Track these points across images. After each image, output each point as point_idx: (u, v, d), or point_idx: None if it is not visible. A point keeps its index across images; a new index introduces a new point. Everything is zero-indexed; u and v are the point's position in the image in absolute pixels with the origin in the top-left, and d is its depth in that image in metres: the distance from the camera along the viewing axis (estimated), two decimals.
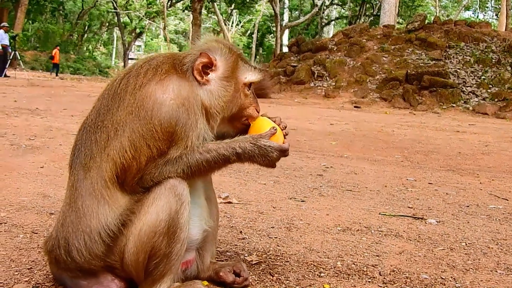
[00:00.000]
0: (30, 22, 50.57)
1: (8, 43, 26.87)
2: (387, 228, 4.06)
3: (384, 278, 2.95)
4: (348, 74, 25.42)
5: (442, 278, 3.01)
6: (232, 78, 2.48)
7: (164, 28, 53.22)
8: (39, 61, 45.73)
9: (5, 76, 25.79)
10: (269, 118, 2.64)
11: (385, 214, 4.53)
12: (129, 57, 58.24)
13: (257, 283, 2.72)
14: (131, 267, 2.28)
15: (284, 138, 2.56)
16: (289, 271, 2.92)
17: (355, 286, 2.79)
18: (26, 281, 2.50)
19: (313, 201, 4.88)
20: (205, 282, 2.62)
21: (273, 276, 2.82)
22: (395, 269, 3.10)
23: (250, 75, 2.54)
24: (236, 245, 3.33)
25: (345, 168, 7.35)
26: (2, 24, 27.68)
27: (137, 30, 63.21)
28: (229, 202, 4.49)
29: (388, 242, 3.66)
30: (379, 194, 5.51)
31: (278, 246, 3.39)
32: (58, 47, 39.15)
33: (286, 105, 20.68)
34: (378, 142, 11.32)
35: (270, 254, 3.20)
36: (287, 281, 2.77)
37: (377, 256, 3.34)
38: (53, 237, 2.35)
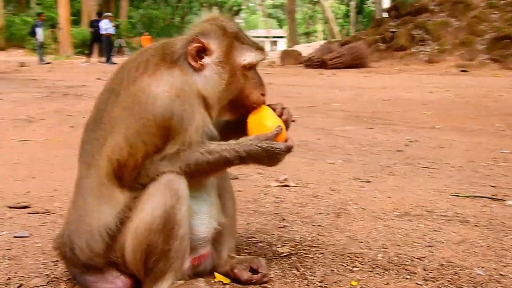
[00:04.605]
0: (135, 9, 52.67)
1: (112, 32, 28.31)
2: (454, 212, 3.66)
3: (427, 273, 2.63)
4: (452, 36, 23.76)
5: (501, 275, 2.63)
6: (227, 63, 2.28)
7: (261, 4, 52.97)
8: None
9: (113, 63, 27.19)
10: (270, 105, 2.44)
11: (457, 195, 4.11)
12: None
13: (278, 278, 2.53)
14: (131, 265, 2.21)
15: (288, 127, 2.40)
16: (319, 265, 2.70)
17: (388, 284, 2.51)
18: (46, 275, 2.50)
19: (380, 181, 4.55)
20: (228, 280, 2.49)
21: (298, 271, 2.62)
22: (445, 263, 2.77)
23: (249, 57, 2.33)
24: (273, 234, 3.15)
25: (431, 141, 6.83)
26: (106, 14, 29.26)
27: (234, 8, 63.49)
28: (286, 186, 4.30)
29: (449, 229, 3.30)
30: (460, 171, 5.03)
31: (319, 235, 3.16)
32: (145, 33, 40.30)
33: (385, 74, 19.86)
34: (480, 109, 10.48)
35: (306, 244, 2.99)
36: (312, 277, 2.55)
37: (430, 246, 3.01)
38: (60, 234, 2.33)
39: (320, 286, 2.46)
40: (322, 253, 2.86)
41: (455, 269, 2.69)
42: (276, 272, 2.60)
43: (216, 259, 2.53)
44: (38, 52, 29.74)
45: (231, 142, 2.26)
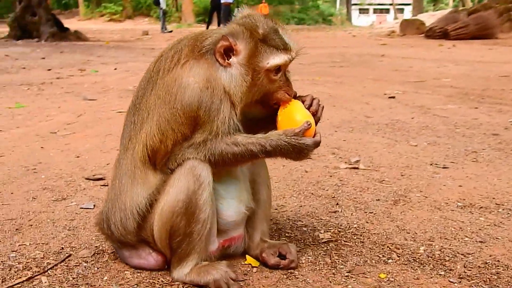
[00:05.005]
0: None
1: (231, 1, 28.78)
2: None
3: (465, 271, 2.55)
4: None
5: None
6: (249, 67, 2.33)
7: None
8: None
9: None
10: (300, 97, 2.48)
11: None
12: (352, 2, 57.06)
13: (308, 265, 2.59)
14: (158, 243, 2.39)
15: (318, 120, 2.48)
16: (354, 254, 2.72)
17: (417, 279, 2.47)
18: (96, 247, 2.76)
19: (458, 168, 4.36)
20: (257, 263, 2.59)
21: (330, 259, 2.65)
22: (490, 261, 2.65)
23: (273, 60, 2.34)
24: (321, 219, 3.19)
25: None
26: None
27: None
28: (355, 168, 4.27)
29: (511, 225, 3.13)
30: None
31: (367, 222, 3.14)
32: (263, 1, 40.01)
33: None
34: None
35: (350, 231, 3.00)
36: (342, 266, 2.58)
37: (481, 242, 2.89)
38: (101, 210, 2.57)
39: (346, 276, 2.49)
40: (362, 242, 2.87)
41: (498, 269, 2.58)
42: (308, 258, 2.67)
43: (249, 242, 2.64)
44: (161, 20, 31.06)
45: (259, 135, 2.33)
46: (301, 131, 2.32)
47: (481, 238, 2.94)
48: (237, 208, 2.49)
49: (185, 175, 2.27)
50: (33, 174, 3.97)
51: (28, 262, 2.54)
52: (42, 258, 2.59)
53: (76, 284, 2.34)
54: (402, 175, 4.12)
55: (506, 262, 2.65)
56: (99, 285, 2.34)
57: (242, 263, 2.59)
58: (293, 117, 2.41)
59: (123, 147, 2.47)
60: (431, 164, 4.45)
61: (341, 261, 2.64)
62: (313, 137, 2.37)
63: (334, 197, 3.58)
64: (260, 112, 2.54)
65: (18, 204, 3.32)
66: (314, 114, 2.46)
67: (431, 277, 2.49)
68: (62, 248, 2.72)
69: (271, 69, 2.35)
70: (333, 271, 2.54)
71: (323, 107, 2.54)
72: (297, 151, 2.32)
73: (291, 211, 3.31)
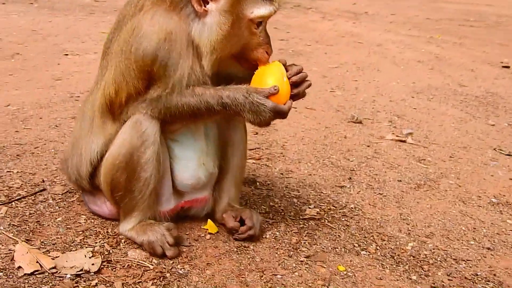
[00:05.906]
0: None
1: None
2: None
3: (443, 281, 2.21)
4: None
5: None
6: (232, 13, 2.08)
7: None
8: None
9: None
10: (290, 65, 2.23)
11: None
12: None
13: (269, 241, 2.38)
14: (105, 194, 2.31)
15: (300, 94, 2.23)
16: (328, 238, 2.45)
17: (380, 279, 2.18)
18: (73, 186, 2.71)
19: None
20: (215, 229, 2.43)
21: (297, 239, 2.42)
22: (482, 273, 2.28)
23: (258, 9, 2.11)
24: (321, 193, 2.92)
25: None
26: None
27: None
28: (401, 141, 3.86)
29: None
30: None
31: (370, 204, 2.83)
32: None
33: None
34: None
35: (342, 212, 2.71)
36: (304, 249, 2.34)
37: (488, 249, 2.49)
38: (64, 151, 2.54)
39: (301, 261, 2.25)
40: (347, 225, 2.59)
41: (486, 284, 2.21)
42: (275, 233, 2.45)
43: (214, 206, 2.49)
44: None
45: (219, 87, 2.13)
46: (264, 92, 2.09)
47: (491, 244, 2.53)
48: (195, 171, 2.32)
49: (130, 129, 2.15)
50: (73, 102, 4.03)
51: (2, 190, 2.59)
52: (18, 188, 2.63)
53: (26, 220, 2.35)
54: (450, 157, 3.66)
55: (502, 278, 2.25)
56: (47, 225, 2.33)
57: (201, 227, 2.45)
58: (264, 78, 2.17)
59: (90, 91, 2.39)
60: (494, 149, 3.90)
61: (308, 243, 2.40)
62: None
63: (352, 170, 3.26)
64: (240, 71, 2.32)
65: (38, 130, 3.39)
66: (295, 86, 2.19)
67: (397, 280, 2.19)
68: (43, 181, 2.73)
69: (254, 20, 2.12)
70: (292, 253, 2.31)
71: (309, 84, 2.25)
72: (253, 110, 2.10)
73: (295, 178, 3.07)
